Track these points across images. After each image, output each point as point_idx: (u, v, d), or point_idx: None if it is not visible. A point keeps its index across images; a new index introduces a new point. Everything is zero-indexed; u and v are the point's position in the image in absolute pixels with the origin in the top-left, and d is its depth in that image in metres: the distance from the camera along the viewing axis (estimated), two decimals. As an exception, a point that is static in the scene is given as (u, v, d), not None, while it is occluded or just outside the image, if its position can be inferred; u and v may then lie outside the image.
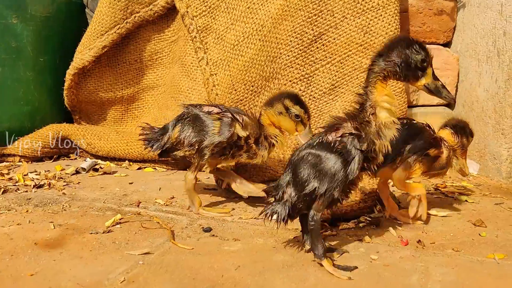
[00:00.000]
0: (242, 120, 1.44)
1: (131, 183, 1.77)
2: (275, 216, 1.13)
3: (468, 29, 2.11)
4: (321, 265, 1.12)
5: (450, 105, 2.20)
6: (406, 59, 1.12)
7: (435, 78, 1.17)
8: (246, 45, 1.80)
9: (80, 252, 1.18)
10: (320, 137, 1.14)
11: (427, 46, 1.17)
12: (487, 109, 2.00)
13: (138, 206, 1.53)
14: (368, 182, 1.59)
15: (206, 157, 1.44)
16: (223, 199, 1.62)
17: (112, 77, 2.13)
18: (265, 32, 1.76)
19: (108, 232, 1.31)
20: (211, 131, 1.43)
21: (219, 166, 1.57)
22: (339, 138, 1.12)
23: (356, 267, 1.14)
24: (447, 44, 2.21)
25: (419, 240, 1.31)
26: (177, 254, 1.19)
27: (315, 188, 1.10)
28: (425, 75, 1.16)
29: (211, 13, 1.88)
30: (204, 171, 1.52)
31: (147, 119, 2.16)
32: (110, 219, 1.37)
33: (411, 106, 2.12)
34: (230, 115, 1.44)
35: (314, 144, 1.14)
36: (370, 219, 1.47)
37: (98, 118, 2.25)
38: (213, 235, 1.31)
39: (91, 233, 1.30)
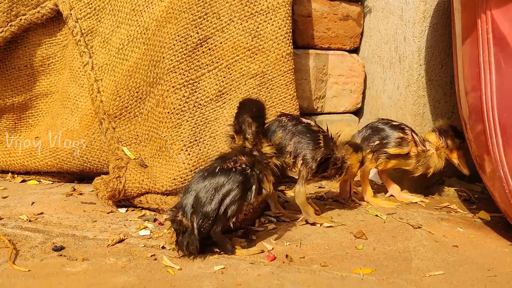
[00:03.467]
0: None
1: (6, 197, 1.63)
2: (191, 248, 1.18)
3: (374, 34, 2.06)
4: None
5: (358, 112, 2.15)
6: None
7: None
8: (131, 49, 1.69)
9: None
10: (220, 165, 1.22)
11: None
12: (391, 116, 1.95)
13: (-3, 223, 1.39)
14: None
15: (313, 167, 1.43)
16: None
17: (0, 83, 1.98)
18: (149, 35, 1.66)
19: None
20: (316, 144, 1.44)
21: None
22: (239, 167, 1.22)
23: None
24: (355, 50, 2.16)
25: (287, 255, 1.23)
26: (8, 278, 1.06)
27: (218, 210, 1.18)
28: None
29: (97, 15, 1.77)
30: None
31: (41, 128, 2.03)
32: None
33: (316, 113, 2.05)
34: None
35: (216, 171, 1.21)
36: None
37: (-11, 127, 2.09)
38: (61, 255, 1.19)
39: None
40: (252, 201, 1.23)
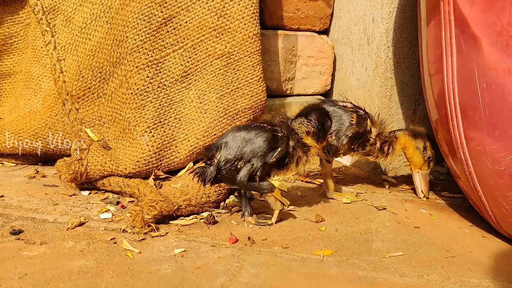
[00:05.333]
0: (371, 117, 1.59)
1: (-34, 180, 1.59)
2: (207, 178, 1.26)
3: (343, 15, 2.05)
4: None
5: (327, 94, 2.15)
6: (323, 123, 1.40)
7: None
8: (94, 28, 1.65)
9: None
10: (258, 123, 1.32)
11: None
12: (359, 99, 1.95)
13: (-45, 206, 1.36)
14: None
15: (344, 142, 1.53)
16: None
17: (-39, 63, 1.93)
18: (113, 14, 1.62)
19: None
20: (348, 121, 1.53)
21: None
22: (271, 127, 1.30)
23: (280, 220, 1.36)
24: (325, 31, 2.15)
25: (249, 237, 1.23)
26: (-38, 263, 1.04)
27: (239, 157, 1.26)
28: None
29: (59, -8, 1.71)
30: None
31: (5, 109, 1.98)
32: None
33: (285, 95, 2.04)
34: (363, 111, 1.57)
35: (252, 126, 1.31)
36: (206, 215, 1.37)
37: (-48, 108, 2.03)
38: (19, 239, 1.17)
39: None
40: (271, 160, 1.27)
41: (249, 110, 1.65)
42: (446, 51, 1.24)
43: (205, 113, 1.61)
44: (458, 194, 1.66)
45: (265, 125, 1.31)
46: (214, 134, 1.61)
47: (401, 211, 1.50)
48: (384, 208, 1.51)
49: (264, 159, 1.27)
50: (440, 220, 1.46)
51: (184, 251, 1.14)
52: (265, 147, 1.26)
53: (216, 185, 1.42)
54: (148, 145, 1.53)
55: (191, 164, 1.61)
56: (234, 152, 1.25)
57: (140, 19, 1.56)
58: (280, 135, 1.29)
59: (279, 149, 1.28)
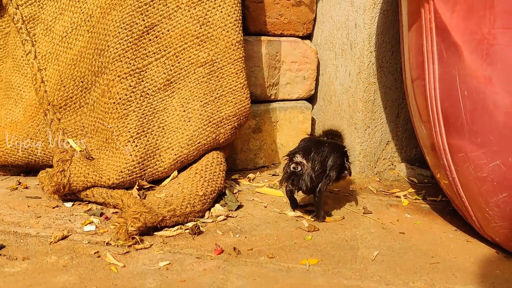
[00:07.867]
0: None
1: None
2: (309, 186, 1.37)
3: (326, 20, 2.06)
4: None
5: (311, 98, 2.15)
6: None
7: None
8: (75, 37, 1.63)
9: None
10: (329, 140, 1.48)
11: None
12: (343, 103, 1.96)
13: None
14: (199, 185, 1.48)
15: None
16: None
17: None
18: (94, 22, 1.60)
19: None
20: None
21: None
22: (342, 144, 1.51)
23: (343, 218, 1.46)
24: (308, 36, 2.15)
25: (235, 247, 1.22)
26: None
27: (330, 167, 1.39)
28: None
29: (38, 1, 1.69)
30: None
31: (-15, 119, 1.94)
32: None
33: (270, 100, 2.04)
34: None
35: (326, 142, 1.45)
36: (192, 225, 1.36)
37: None
38: (1, 254, 1.15)
39: None
40: (333, 178, 1.42)
41: (233, 117, 1.65)
42: (427, 58, 1.24)
43: (189, 121, 1.60)
44: (442, 198, 1.67)
45: (336, 142, 1.49)
46: (198, 142, 1.60)
47: (386, 217, 1.51)
48: (370, 213, 1.52)
49: (336, 172, 1.42)
50: (425, 225, 1.46)
51: (169, 263, 1.13)
52: (337, 160, 1.41)
53: (197, 195, 1.43)
54: (131, 155, 1.52)
55: (175, 173, 1.60)
56: (318, 166, 1.36)
57: (121, 27, 1.54)
58: (346, 150, 1.49)
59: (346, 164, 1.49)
